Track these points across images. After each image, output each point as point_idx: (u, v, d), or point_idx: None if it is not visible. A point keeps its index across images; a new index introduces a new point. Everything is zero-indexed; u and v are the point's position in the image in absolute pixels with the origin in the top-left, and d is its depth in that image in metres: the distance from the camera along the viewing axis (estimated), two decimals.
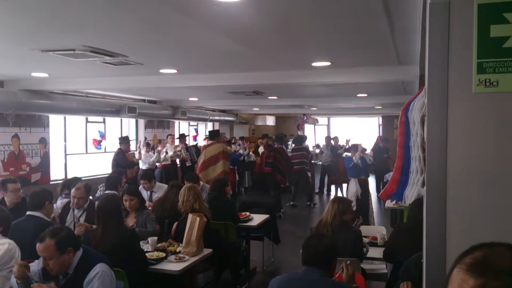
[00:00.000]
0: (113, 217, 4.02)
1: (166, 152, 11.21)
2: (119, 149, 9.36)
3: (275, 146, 11.37)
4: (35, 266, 3.23)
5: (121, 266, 3.61)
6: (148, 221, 5.08)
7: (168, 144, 11.89)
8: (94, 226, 4.64)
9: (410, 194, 1.95)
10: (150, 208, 5.77)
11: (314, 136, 20.93)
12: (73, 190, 5.03)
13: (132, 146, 10.42)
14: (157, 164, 11.04)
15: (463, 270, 0.94)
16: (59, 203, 5.48)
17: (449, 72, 1.66)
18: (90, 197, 5.59)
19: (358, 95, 10.54)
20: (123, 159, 9.24)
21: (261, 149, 13.33)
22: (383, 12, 3.35)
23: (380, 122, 20.65)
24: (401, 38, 4.30)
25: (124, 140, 9.57)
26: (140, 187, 6.95)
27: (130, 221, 5.04)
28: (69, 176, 9.51)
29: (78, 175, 7.08)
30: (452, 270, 0.98)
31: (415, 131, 1.89)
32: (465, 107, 1.65)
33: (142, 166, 10.49)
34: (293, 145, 12.42)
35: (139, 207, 5.20)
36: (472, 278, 0.92)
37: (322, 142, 15.23)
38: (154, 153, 10.94)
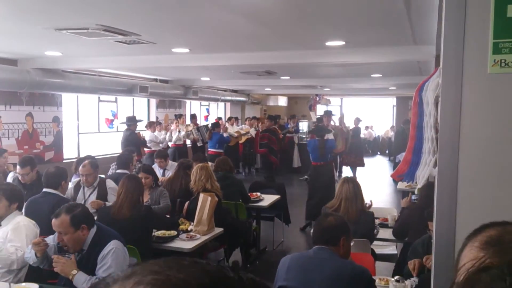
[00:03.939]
0: (135, 194, 4.20)
1: (179, 131, 11.25)
2: (129, 129, 9.42)
3: (268, 126, 11.25)
4: (50, 241, 3.31)
5: (134, 242, 3.67)
6: (161, 197, 5.21)
7: (180, 125, 11.92)
8: (108, 203, 4.74)
9: (422, 175, 1.94)
10: (161, 181, 5.93)
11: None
12: (80, 168, 5.13)
13: (140, 126, 10.47)
14: (170, 144, 11.12)
15: (477, 248, 0.95)
16: (73, 181, 5.56)
17: (464, 52, 1.63)
18: (103, 176, 5.67)
19: (372, 75, 10.43)
20: (136, 138, 9.35)
21: (253, 131, 13.25)
22: None
23: (395, 103, 20.46)
24: (417, 17, 4.23)
25: (133, 120, 9.65)
26: (154, 165, 7.06)
27: (145, 198, 5.13)
28: (81, 155, 9.63)
29: (91, 154, 7.16)
30: (463, 248, 1.00)
31: (429, 112, 1.87)
32: (479, 87, 1.63)
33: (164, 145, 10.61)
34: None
35: (153, 184, 5.34)
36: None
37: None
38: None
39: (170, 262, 0.60)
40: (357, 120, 13.68)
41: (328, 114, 10.35)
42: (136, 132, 9.64)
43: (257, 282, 0.62)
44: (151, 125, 10.59)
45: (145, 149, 10.19)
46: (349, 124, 13.51)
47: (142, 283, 0.56)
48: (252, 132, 13.24)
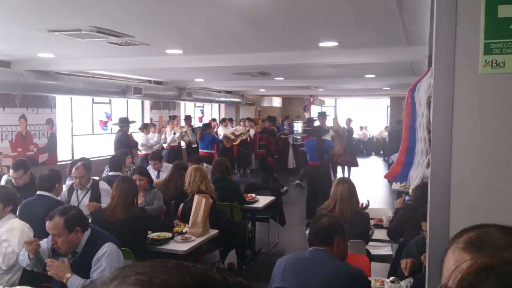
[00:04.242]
0: (129, 196, 4.18)
1: (174, 133, 11.23)
2: (121, 130, 9.39)
3: (267, 127, 11.26)
4: (44, 244, 3.29)
5: (129, 244, 3.66)
6: (155, 199, 5.19)
7: (175, 126, 11.88)
8: (103, 206, 4.73)
9: (415, 175, 1.95)
10: (156, 183, 5.94)
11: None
12: (73, 171, 5.09)
13: (134, 128, 10.43)
14: (165, 145, 11.09)
15: (459, 249, 0.98)
16: (68, 184, 5.53)
17: (456, 52, 1.64)
18: (97, 178, 5.65)
19: (366, 76, 10.46)
20: (128, 139, 9.32)
21: (252, 132, 13.31)
22: None
23: (388, 104, 20.53)
24: (410, 17, 4.25)
25: (125, 122, 9.59)
26: (149, 166, 7.05)
27: (139, 200, 5.12)
28: (75, 157, 9.58)
29: (85, 156, 7.13)
30: (446, 251, 1.02)
31: (421, 112, 1.88)
32: (471, 88, 1.64)
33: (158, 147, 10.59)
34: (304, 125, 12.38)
35: (148, 186, 5.34)
36: (468, 256, 0.97)
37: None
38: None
39: (155, 264, 0.62)
40: (349, 121, 13.77)
41: (323, 115, 10.38)
42: (128, 133, 9.61)
43: (245, 285, 0.63)
44: (145, 127, 10.54)
45: (138, 152, 10.14)
46: (342, 125, 13.56)
47: (125, 283, 0.58)
48: (251, 133, 13.25)
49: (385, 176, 2.48)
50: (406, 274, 3.17)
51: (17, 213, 4.05)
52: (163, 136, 10.86)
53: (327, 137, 8.45)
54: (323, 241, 2.75)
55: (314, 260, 2.71)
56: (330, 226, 2.79)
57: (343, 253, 2.82)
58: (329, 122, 11.01)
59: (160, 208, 5.17)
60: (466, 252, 0.98)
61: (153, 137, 10.47)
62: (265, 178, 10.70)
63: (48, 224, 3.03)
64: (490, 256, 0.92)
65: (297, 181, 11.71)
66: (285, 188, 10.33)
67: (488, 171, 1.64)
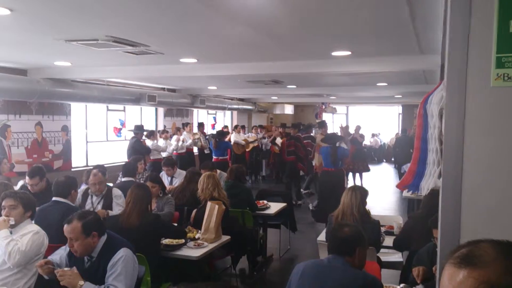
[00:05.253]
0: (143, 202, 4.23)
1: (183, 141, 11.32)
2: (135, 137, 9.53)
3: (292, 134, 11.33)
4: (62, 251, 3.36)
5: (143, 250, 3.71)
6: (166, 205, 5.25)
7: (185, 132, 11.96)
8: (111, 212, 4.80)
9: (427, 186, 1.98)
10: (169, 190, 6.03)
11: (332, 125, 20.86)
12: (91, 178, 5.15)
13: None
14: (173, 152, 11.21)
15: (451, 264, 1.03)
16: (81, 189, 5.61)
17: (468, 65, 1.67)
18: (111, 184, 5.72)
19: (378, 84, 10.46)
20: (141, 145, 9.46)
21: (279, 140, 13.38)
22: (404, 1, 3.34)
23: (400, 111, 20.47)
24: (422, 27, 4.27)
25: (140, 129, 9.84)
26: (162, 173, 7.12)
27: (152, 206, 5.18)
28: (90, 164, 9.73)
29: (100, 163, 7.23)
30: (443, 267, 1.07)
31: (433, 124, 1.91)
32: (483, 100, 1.66)
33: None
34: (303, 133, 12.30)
35: (160, 193, 5.39)
36: (460, 270, 1.02)
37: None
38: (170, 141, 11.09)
39: None
40: (358, 128, 13.80)
41: (323, 124, 10.52)
42: (141, 140, 9.76)
43: None
44: (151, 134, 10.63)
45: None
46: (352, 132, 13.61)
47: None
48: (278, 141, 13.32)
49: (397, 186, 2.52)
50: (418, 282, 3.18)
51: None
52: (174, 143, 10.98)
53: (343, 144, 8.52)
54: (344, 252, 2.76)
55: (331, 267, 2.74)
56: (351, 237, 2.79)
57: (361, 262, 2.85)
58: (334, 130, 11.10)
59: (170, 214, 5.22)
60: (456, 267, 1.02)
61: (161, 143, 10.62)
62: (288, 184, 10.69)
63: (66, 227, 3.10)
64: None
65: (305, 190, 11.73)
66: (299, 202, 10.35)
67: (499, 182, 1.66)
